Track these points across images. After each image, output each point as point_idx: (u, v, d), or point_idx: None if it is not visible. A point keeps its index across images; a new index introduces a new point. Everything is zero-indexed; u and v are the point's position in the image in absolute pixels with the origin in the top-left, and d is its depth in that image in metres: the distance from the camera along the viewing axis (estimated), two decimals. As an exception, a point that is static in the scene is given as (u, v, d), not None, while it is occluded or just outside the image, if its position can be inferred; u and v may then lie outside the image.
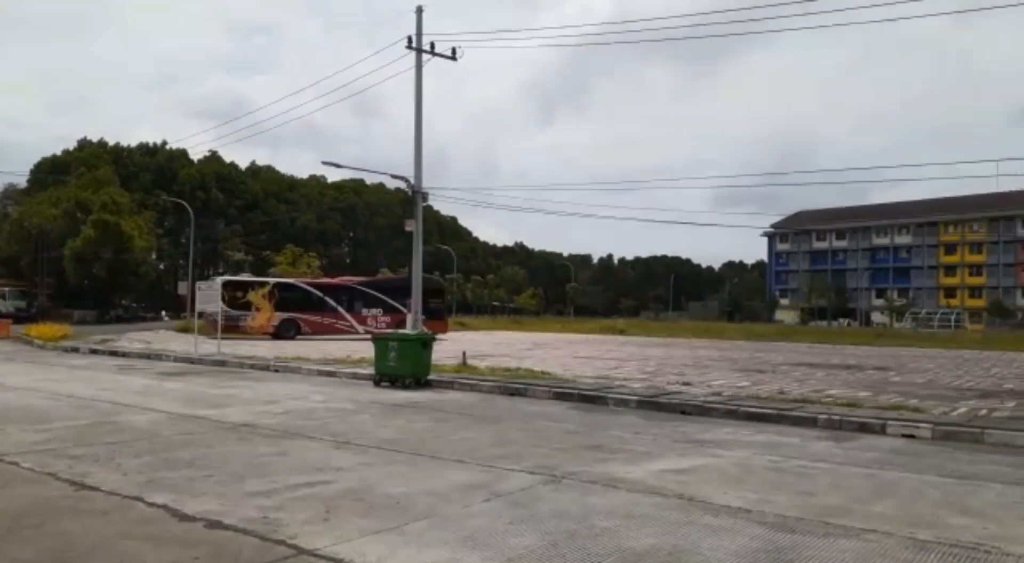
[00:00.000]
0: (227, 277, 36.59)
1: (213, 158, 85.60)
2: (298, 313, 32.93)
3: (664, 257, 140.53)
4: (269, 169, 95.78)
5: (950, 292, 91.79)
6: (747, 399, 12.27)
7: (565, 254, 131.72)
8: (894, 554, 4.70)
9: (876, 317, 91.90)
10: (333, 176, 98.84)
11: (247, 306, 32.29)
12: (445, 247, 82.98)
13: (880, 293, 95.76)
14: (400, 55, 21.43)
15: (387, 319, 33.77)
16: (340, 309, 33.80)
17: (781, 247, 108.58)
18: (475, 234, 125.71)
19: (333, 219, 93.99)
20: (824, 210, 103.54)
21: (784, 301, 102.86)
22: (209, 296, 23.13)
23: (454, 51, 21.10)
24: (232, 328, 31.14)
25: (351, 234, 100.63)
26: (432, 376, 14.72)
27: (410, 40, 21.07)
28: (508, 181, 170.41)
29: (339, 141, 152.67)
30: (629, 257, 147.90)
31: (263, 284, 34.11)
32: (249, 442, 8.44)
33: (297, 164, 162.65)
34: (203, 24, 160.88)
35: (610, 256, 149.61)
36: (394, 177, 20.34)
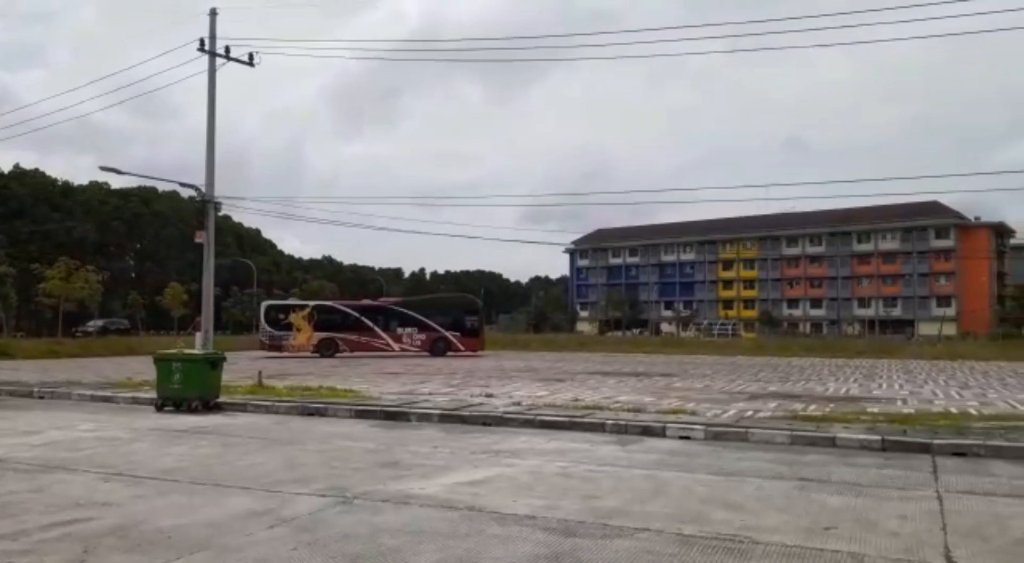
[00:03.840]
0: (270, 301, 40.52)
1: (-32, 159, 75.45)
2: (336, 333, 35.10)
3: (476, 272, 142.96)
4: (37, 173, 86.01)
5: (728, 304, 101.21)
6: (544, 408, 12.71)
7: (376, 268, 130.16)
8: (661, 550, 5.04)
9: (665, 327, 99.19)
10: (118, 183, 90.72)
11: (289, 327, 35.06)
12: (245, 260, 78.83)
13: (668, 305, 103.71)
14: (195, 56, 20.12)
15: (422, 337, 35.49)
16: (376, 329, 35.47)
17: (581, 263, 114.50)
18: (280, 247, 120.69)
19: (116, 229, 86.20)
20: (620, 228, 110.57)
21: (584, 313, 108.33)
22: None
23: (251, 56, 20.14)
24: (276, 347, 34.65)
25: (138, 246, 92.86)
26: (223, 398, 13.85)
27: (203, 43, 19.85)
28: (317, 192, 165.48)
29: (126, 144, 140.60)
30: (441, 271, 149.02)
31: (303, 307, 36.96)
32: (-3, 480, 7.45)
33: (74, 168, 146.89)
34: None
35: (422, 270, 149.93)
36: (183, 185, 18.97)
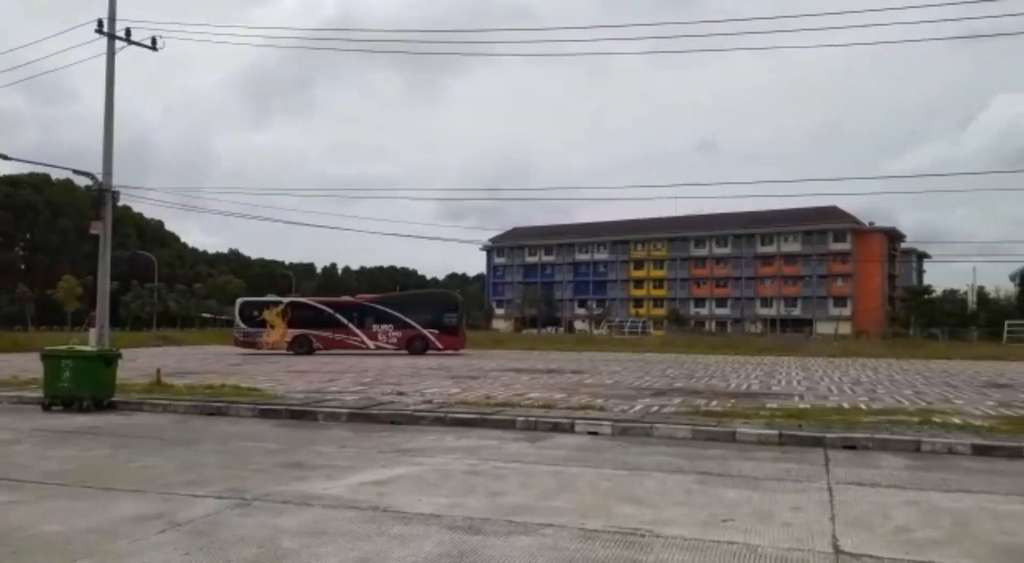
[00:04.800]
0: (244, 298, 39.69)
1: None
2: (310, 330, 34.43)
3: (390, 268, 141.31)
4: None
5: (639, 302, 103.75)
6: (455, 405, 12.66)
7: (287, 263, 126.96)
8: (564, 546, 5.07)
9: (579, 325, 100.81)
10: (7, 169, 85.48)
11: (262, 324, 34.72)
12: (146, 253, 75.46)
13: (582, 303, 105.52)
14: (93, 38, 19.05)
15: (398, 334, 34.50)
16: (351, 325, 34.63)
17: (498, 261, 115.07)
18: (184, 239, 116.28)
19: (4, 219, 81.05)
20: (536, 227, 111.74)
21: (500, 311, 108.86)
22: None
23: (154, 40, 19.25)
24: (250, 344, 34.45)
25: (28, 236, 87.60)
26: (118, 397, 13.19)
27: (101, 24, 18.83)
28: (224, 183, 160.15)
29: (16, 128, 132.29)
30: (354, 267, 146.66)
31: (277, 303, 36.47)
32: None
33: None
34: None
35: (334, 266, 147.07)
36: (78, 173, 17.95)
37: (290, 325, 34.62)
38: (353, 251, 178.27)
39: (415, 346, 34.30)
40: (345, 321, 34.82)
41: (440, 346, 34.62)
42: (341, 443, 9.58)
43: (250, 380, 17.81)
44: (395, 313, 35.15)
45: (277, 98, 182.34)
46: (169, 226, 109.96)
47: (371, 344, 34.55)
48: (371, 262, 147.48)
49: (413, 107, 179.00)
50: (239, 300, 38.32)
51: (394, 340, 34.61)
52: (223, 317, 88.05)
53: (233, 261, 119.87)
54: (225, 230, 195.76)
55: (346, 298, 39.36)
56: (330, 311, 35.31)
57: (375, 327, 34.79)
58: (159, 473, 7.54)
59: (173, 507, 6.11)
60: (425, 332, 34.68)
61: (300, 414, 12.03)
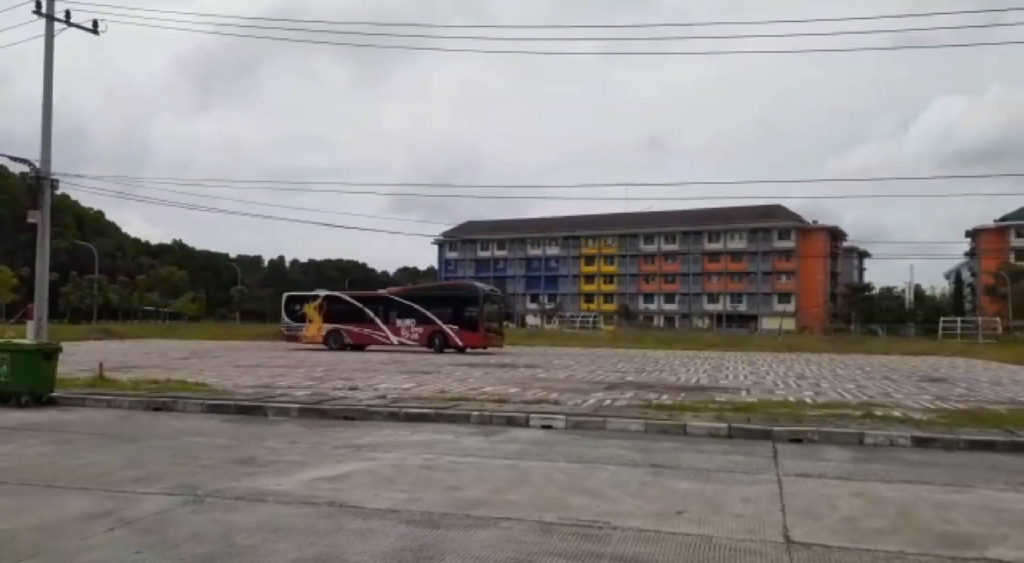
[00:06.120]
0: (290, 293, 38.60)
1: None
2: (342, 324, 33.90)
3: (339, 261, 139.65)
4: None
5: (589, 297, 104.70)
6: (410, 400, 12.60)
7: (232, 255, 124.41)
8: (523, 538, 5.11)
9: (530, 319, 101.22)
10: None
11: (303, 318, 34.77)
12: (85, 243, 73.10)
13: (534, 298, 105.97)
14: (30, 19, 18.34)
15: (419, 330, 32.85)
16: (377, 320, 33.69)
17: (450, 255, 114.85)
18: (125, 230, 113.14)
19: (-67, 207, 77.63)
20: (488, 221, 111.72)
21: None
22: None
23: (96, 23, 18.63)
24: (293, 338, 34.90)
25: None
26: (59, 392, 12.77)
27: (39, 5, 18.15)
28: (166, 172, 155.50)
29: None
30: (302, 259, 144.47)
31: (315, 297, 35.79)
32: None
33: None
34: None
35: (281, 258, 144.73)
36: (13, 160, 17.29)
37: (325, 319, 34.08)
38: (301, 243, 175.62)
39: (435, 343, 32.12)
40: (372, 315, 33.59)
41: (459, 343, 31.91)
42: (293, 439, 9.45)
43: (197, 375, 17.43)
44: (417, 307, 33.12)
45: (221, 86, 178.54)
46: (109, 216, 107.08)
47: (394, 339, 32.96)
48: (320, 255, 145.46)
49: (360, 98, 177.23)
50: (285, 294, 37.69)
51: (415, 336, 32.72)
52: (166, 309, 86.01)
53: (177, 252, 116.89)
54: (168, 220, 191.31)
55: (380, 291, 37.77)
56: (359, 305, 34.18)
57: (398, 322, 33.15)
58: (105, 470, 7.34)
59: (121, 504, 5.95)
60: (445, 328, 32.25)
61: (249, 409, 11.82)
